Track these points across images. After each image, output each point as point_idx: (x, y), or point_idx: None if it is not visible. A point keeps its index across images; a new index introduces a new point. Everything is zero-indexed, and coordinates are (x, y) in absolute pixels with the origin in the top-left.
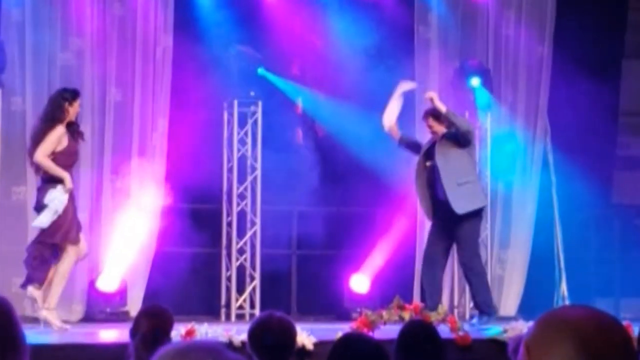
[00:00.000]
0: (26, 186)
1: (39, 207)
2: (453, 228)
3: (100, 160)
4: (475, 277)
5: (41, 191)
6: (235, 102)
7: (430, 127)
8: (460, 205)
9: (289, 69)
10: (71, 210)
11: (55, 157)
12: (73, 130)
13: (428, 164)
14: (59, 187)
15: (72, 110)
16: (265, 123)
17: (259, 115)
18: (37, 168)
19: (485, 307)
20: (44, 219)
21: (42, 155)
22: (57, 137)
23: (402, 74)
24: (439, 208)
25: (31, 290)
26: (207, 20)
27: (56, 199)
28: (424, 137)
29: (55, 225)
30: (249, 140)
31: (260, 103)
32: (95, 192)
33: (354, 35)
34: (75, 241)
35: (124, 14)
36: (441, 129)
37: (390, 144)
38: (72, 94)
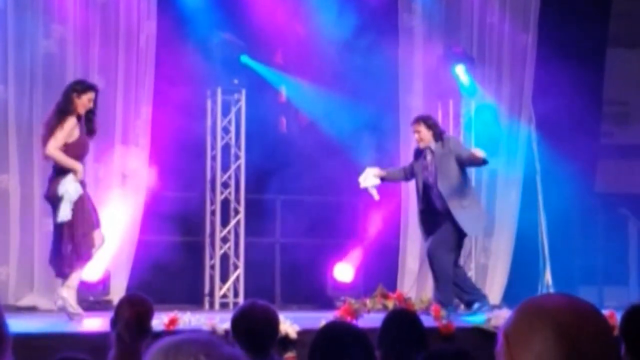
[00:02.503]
0: (8, 174)
1: (53, 198)
2: (438, 224)
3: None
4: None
5: (53, 182)
6: (219, 90)
7: (417, 132)
8: (471, 227)
9: (272, 57)
10: (86, 198)
11: (67, 148)
12: (87, 127)
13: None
14: (70, 176)
15: (80, 103)
16: (249, 111)
17: (243, 103)
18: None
19: (445, 302)
20: (66, 212)
21: (53, 148)
22: (68, 130)
23: (386, 62)
24: (431, 214)
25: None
26: (190, 8)
27: (70, 188)
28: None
29: (79, 215)
30: (232, 128)
31: (244, 91)
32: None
33: (337, 23)
34: (96, 227)
35: (106, 0)
36: (428, 138)
37: (375, 132)
38: (82, 86)
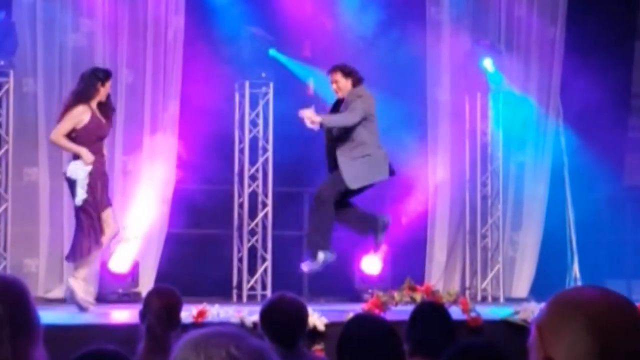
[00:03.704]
0: (38, 167)
1: (68, 180)
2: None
3: (112, 141)
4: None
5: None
6: (247, 84)
7: (335, 82)
8: (353, 180)
9: (300, 50)
10: (98, 185)
11: (77, 134)
12: (105, 110)
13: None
14: (80, 161)
15: (104, 91)
16: (277, 104)
17: (271, 96)
18: None
19: (313, 248)
20: (81, 193)
21: (55, 135)
22: (74, 117)
23: (414, 55)
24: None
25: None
26: (218, 2)
27: (78, 170)
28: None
29: (90, 200)
30: (260, 121)
31: (271, 84)
32: (107, 164)
33: (365, 16)
34: (106, 207)
35: None
36: (347, 87)
37: (401, 124)
38: (104, 74)
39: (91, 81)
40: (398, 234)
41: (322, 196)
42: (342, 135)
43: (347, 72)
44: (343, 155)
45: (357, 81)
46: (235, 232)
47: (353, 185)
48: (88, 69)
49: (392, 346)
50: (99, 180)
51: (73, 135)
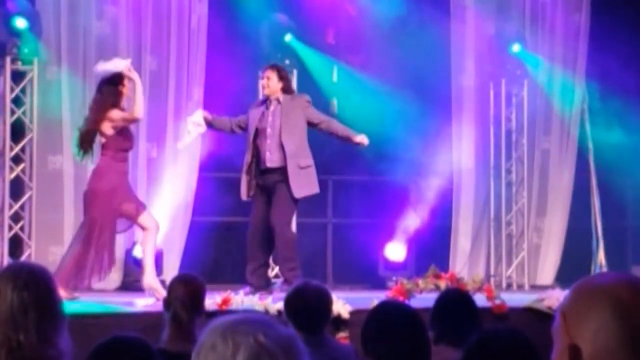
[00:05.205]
0: (62, 155)
1: None
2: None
3: (135, 129)
4: (283, 243)
5: None
6: None
7: (267, 78)
8: (300, 189)
9: (323, 37)
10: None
11: (106, 140)
12: None
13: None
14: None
15: (126, 90)
16: (300, 91)
17: (295, 84)
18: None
19: (289, 276)
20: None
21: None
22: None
23: (438, 42)
24: (263, 176)
25: None
26: None
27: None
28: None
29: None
30: None
31: (295, 72)
32: (131, 161)
33: (388, 3)
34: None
35: None
36: (276, 88)
37: (425, 110)
38: (117, 76)
39: (110, 90)
40: (422, 221)
41: (283, 230)
42: (295, 142)
43: (282, 76)
44: (292, 165)
45: (288, 88)
46: None
47: (299, 195)
48: (99, 81)
49: (417, 333)
50: (119, 193)
51: (102, 142)
